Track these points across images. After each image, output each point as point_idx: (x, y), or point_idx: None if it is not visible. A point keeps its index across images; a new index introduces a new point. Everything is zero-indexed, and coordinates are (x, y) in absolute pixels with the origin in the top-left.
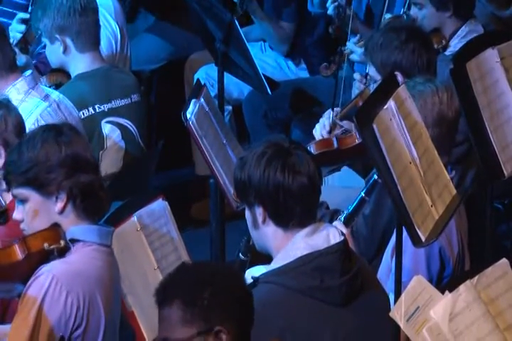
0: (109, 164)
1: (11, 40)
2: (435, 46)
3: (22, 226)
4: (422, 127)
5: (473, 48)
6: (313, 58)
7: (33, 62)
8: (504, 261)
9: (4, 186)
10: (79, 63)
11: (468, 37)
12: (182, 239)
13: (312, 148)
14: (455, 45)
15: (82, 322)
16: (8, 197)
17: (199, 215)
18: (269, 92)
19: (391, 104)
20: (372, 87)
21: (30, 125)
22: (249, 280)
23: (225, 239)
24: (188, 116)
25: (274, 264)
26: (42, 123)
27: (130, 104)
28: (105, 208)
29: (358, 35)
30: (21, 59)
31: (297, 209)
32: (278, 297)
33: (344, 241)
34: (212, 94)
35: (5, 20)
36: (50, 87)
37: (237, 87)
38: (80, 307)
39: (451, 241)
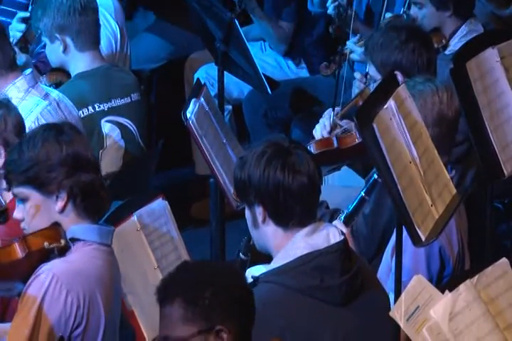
0: (108, 163)
1: (11, 39)
2: (435, 45)
3: (22, 225)
4: (422, 127)
5: (473, 48)
6: (313, 58)
7: (33, 61)
8: (504, 260)
9: (4, 185)
10: (79, 62)
11: (468, 36)
12: (182, 239)
13: (312, 148)
14: (455, 44)
15: (82, 321)
16: (8, 197)
17: (199, 215)
18: (269, 92)
19: (391, 103)
20: (373, 86)
21: (30, 123)
22: (249, 279)
23: (225, 239)
24: (188, 115)
25: (274, 264)
26: (42, 121)
27: (130, 103)
28: (106, 207)
29: (358, 35)
30: (21, 58)
31: (297, 208)
32: (278, 296)
33: (344, 241)
34: (212, 93)
35: (5, 19)
36: (50, 86)
37: (237, 87)
38: (80, 306)
39: (451, 240)
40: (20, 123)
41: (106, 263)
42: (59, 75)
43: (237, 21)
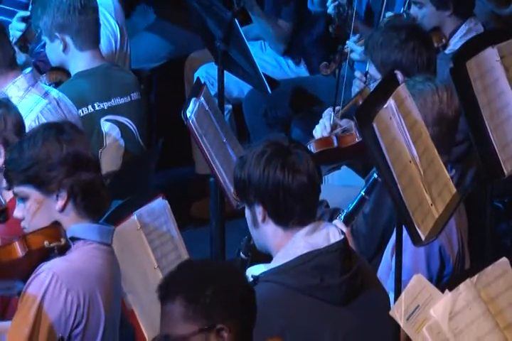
0: (108, 162)
1: (11, 39)
2: (435, 45)
3: (23, 224)
4: (422, 126)
5: (473, 47)
6: (313, 57)
7: (33, 60)
8: (504, 259)
9: (5, 184)
10: (79, 61)
11: (468, 35)
12: (182, 238)
13: (312, 147)
14: (455, 43)
15: (82, 320)
16: (8, 196)
17: (199, 214)
18: (269, 91)
19: (391, 102)
20: (372, 85)
21: (30, 122)
22: (249, 279)
23: (225, 238)
24: (188, 114)
25: (274, 263)
26: (42, 120)
27: (130, 102)
28: (106, 206)
29: (358, 34)
30: (21, 58)
31: (297, 208)
32: (278, 296)
33: (344, 240)
34: (212, 92)
35: (5, 18)
36: (49, 85)
37: (237, 86)
38: (80, 305)
39: (451, 239)
40: (19, 122)
41: (106, 263)
42: (59, 74)
43: (237, 20)
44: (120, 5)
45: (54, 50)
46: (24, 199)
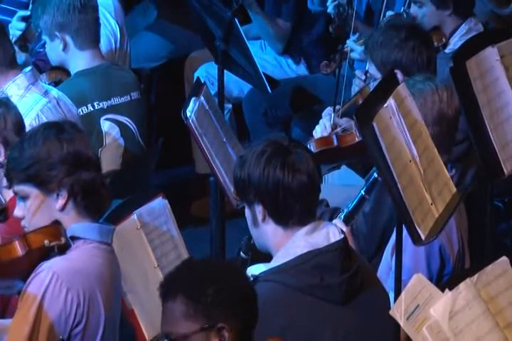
0: (108, 161)
1: (11, 38)
2: (435, 44)
3: (23, 223)
4: (422, 125)
5: (473, 46)
6: (313, 56)
7: (32, 60)
8: (504, 259)
9: (5, 183)
10: (78, 60)
11: (468, 35)
12: (182, 237)
13: (312, 146)
14: (455, 43)
15: (82, 319)
16: (8, 195)
17: (199, 213)
18: (269, 90)
19: (391, 102)
20: (372, 85)
21: (30, 120)
22: (249, 278)
23: (225, 237)
24: (188, 114)
25: (274, 262)
26: (42, 118)
27: (130, 101)
28: (106, 206)
29: (358, 33)
30: (21, 57)
31: (297, 207)
32: (278, 295)
33: (344, 240)
34: (212, 92)
35: (6, 18)
36: (49, 84)
37: (237, 85)
38: (80, 304)
39: (452, 239)
40: (19, 121)
41: (106, 262)
42: (59, 73)
43: (237, 20)
44: (120, 5)
45: (54, 49)
46: (24, 198)
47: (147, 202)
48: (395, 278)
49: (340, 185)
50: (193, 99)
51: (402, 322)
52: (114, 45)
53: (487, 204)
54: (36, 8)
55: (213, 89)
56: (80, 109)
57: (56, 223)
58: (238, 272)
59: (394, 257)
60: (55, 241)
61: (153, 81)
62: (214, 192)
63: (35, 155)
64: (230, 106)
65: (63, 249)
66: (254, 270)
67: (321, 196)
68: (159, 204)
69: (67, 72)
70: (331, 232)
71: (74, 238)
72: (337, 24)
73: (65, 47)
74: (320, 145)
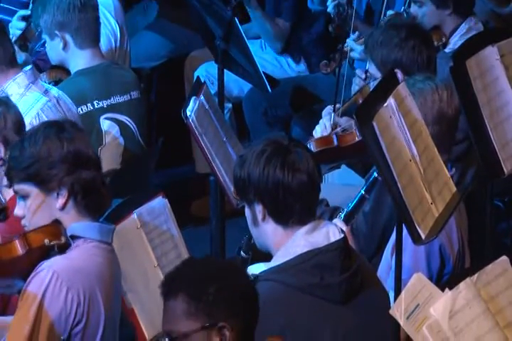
0: (108, 160)
1: (11, 37)
2: (435, 43)
3: (23, 222)
4: (422, 125)
5: (473, 46)
6: (313, 56)
7: (32, 59)
8: (504, 258)
9: (5, 182)
10: (78, 59)
11: (468, 34)
12: (182, 237)
13: (312, 146)
14: (455, 42)
15: (82, 318)
16: (8, 194)
17: (199, 213)
18: (269, 90)
19: (391, 101)
20: (372, 84)
21: (31, 119)
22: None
23: (225, 237)
24: (188, 113)
25: (274, 262)
26: (42, 117)
27: (130, 100)
28: (106, 205)
29: (357, 33)
30: (21, 57)
31: (297, 206)
32: (278, 294)
33: (344, 239)
34: (212, 91)
35: (6, 17)
36: (49, 83)
37: (237, 85)
38: (80, 303)
39: (452, 238)
40: (19, 121)
41: (106, 261)
42: (59, 72)
43: (237, 19)
44: (120, 4)
45: (54, 49)
46: (25, 197)
47: (147, 202)
48: (395, 278)
49: (340, 184)
50: (193, 98)
51: (402, 322)
52: (114, 45)
53: (487, 203)
54: (36, 7)
55: (213, 89)
56: (79, 108)
57: (56, 222)
58: (240, 271)
59: (394, 256)
60: (55, 241)
61: (153, 80)
62: (214, 191)
63: (35, 154)
64: (230, 105)
65: (63, 248)
66: (255, 269)
67: (321, 195)
68: (159, 203)
69: (67, 71)
70: (331, 232)
71: (74, 237)
72: (337, 23)
73: (65, 46)
74: (320, 144)
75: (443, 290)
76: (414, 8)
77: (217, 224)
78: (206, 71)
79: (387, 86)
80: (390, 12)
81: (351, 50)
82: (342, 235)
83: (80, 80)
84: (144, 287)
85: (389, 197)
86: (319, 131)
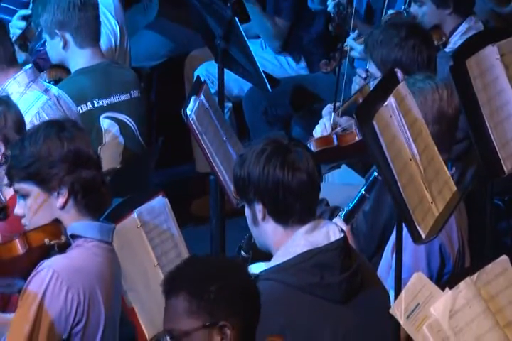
0: (108, 159)
1: (11, 37)
2: (435, 43)
3: (23, 221)
4: (422, 124)
5: (473, 45)
6: (313, 55)
7: (32, 58)
8: (504, 257)
9: (5, 181)
10: (79, 58)
11: (469, 34)
12: (182, 236)
13: (312, 146)
14: (455, 41)
15: (82, 318)
16: (8, 193)
17: (199, 212)
18: (270, 89)
19: (391, 100)
20: (372, 84)
21: (31, 117)
22: None
23: (225, 236)
24: (188, 112)
25: (274, 261)
26: (43, 115)
27: (130, 99)
28: (106, 204)
29: (357, 31)
30: (20, 57)
31: (297, 206)
32: (278, 294)
33: (344, 238)
34: (213, 90)
35: (6, 17)
36: (49, 82)
37: (237, 84)
38: (80, 303)
39: (452, 237)
40: (20, 120)
41: (106, 261)
42: (59, 72)
43: (237, 19)
44: (120, 3)
45: (54, 47)
46: (25, 196)
47: (147, 201)
48: (395, 277)
49: (341, 183)
50: (193, 97)
51: (402, 321)
52: (114, 44)
53: (487, 202)
54: (36, 6)
55: (213, 88)
56: (79, 107)
57: (56, 221)
58: (241, 270)
59: (394, 256)
60: (55, 240)
61: (153, 79)
62: (214, 190)
63: (35, 153)
64: (230, 104)
65: (63, 248)
66: (255, 269)
67: (321, 195)
68: (159, 202)
69: (68, 70)
70: (331, 231)
71: (74, 236)
72: (337, 23)
73: (65, 45)
74: (320, 144)
75: (443, 289)
76: (414, 8)
77: (217, 224)
78: (206, 70)
79: (387, 85)
80: (390, 11)
81: (351, 49)
82: (342, 234)
83: (80, 79)
84: (144, 286)
85: (389, 196)
86: (319, 131)
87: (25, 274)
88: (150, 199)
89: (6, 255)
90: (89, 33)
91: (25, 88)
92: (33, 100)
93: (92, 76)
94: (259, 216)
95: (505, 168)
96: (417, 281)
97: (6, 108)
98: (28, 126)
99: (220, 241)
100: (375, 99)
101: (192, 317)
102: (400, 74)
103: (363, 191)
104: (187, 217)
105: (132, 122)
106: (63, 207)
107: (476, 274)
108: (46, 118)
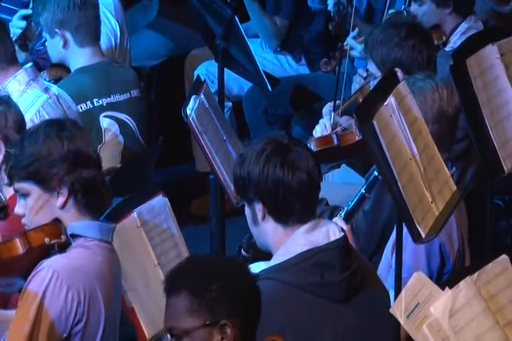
0: (107, 158)
1: (11, 36)
2: (435, 42)
3: (23, 220)
4: (422, 123)
5: (473, 44)
6: (313, 54)
7: (32, 58)
8: (504, 257)
9: (5, 180)
10: (79, 57)
11: (468, 33)
12: (182, 235)
13: (312, 145)
14: (455, 41)
15: (82, 317)
16: (8, 193)
17: (199, 211)
18: (270, 88)
19: (391, 100)
20: (372, 83)
21: (31, 116)
22: None
23: (225, 235)
24: (188, 112)
25: (274, 260)
26: (43, 114)
27: (129, 99)
28: (107, 204)
29: (356, 30)
30: (21, 56)
31: (297, 205)
32: (278, 293)
33: (344, 238)
34: (213, 90)
35: (6, 16)
36: (49, 81)
37: (237, 83)
38: (80, 302)
39: (452, 237)
40: (20, 119)
41: (106, 260)
42: (59, 71)
43: (237, 18)
44: (120, 3)
45: (54, 46)
46: (25, 195)
47: (147, 200)
48: (395, 276)
49: (341, 183)
50: (193, 97)
51: (402, 320)
52: (114, 44)
53: (487, 202)
54: (37, 5)
55: (213, 87)
56: (79, 106)
57: (56, 221)
58: (243, 269)
59: (394, 255)
60: (55, 239)
61: (154, 79)
62: (214, 190)
63: (35, 152)
64: (230, 104)
65: (63, 247)
66: (255, 268)
67: (321, 194)
68: (159, 202)
69: (68, 69)
70: (331, 230)
71: (74, 236)
72: (337, 22)
73: (65, 44)
74: (320, 144)
75: (443, 288)
76: (414, 7)
77: (217, 223)
78: (206, 70)
79: (387, 85)
80: (390, 11)
81: (351, 48)
82: (342, 234)
83: (80, 78)
84: (144, 286)
85: (389, 195)
86: (319, 131)
87: (26, 274)
88: (150, 198)
89: (6, 254)
90: (89, 32)
91: (26, 86)
92: (33, 99)
93: (92, 75)
94: (259, 215)
95: (505, 168)
96: (417, 281)
97: (7, 108)
98: (28, 125)
99: (220, 241)
100: (375, 98)
101: (193, 316)
102: (400, 73)
103: (363, 190)
104: (187, 217)
105: (132, 121)
106: (63, 206)
107: (476, 273)
108: (46, 116)
